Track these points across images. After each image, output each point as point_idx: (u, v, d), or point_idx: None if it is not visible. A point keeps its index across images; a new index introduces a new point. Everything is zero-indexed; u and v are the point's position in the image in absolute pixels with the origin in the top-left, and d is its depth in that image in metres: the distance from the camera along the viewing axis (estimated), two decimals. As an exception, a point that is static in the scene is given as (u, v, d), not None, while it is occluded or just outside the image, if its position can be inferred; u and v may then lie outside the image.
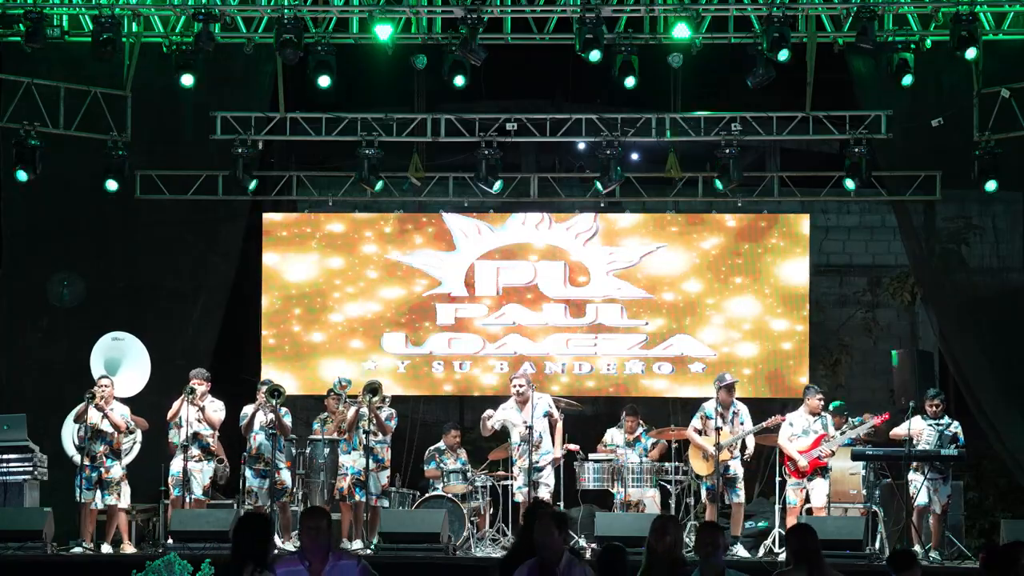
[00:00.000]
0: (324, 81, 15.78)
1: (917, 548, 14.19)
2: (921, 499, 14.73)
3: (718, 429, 15.03)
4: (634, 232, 17.98)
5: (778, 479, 15.46)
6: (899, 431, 14.97)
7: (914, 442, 14.85)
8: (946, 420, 15.00)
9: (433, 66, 16.16)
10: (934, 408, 14.95)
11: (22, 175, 16.06)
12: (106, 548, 14.85)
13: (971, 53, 15.18)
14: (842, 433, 15.08)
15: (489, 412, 15.58)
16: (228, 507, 15.44)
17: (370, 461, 15.04)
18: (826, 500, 14.86)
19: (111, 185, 16.51)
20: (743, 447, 15.31)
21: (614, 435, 15.95)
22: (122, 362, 15.92)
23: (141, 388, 15.96)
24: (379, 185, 17.09)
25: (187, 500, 14.96)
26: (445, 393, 18.59)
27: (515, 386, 15.43)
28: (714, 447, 14.97)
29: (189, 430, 14.98)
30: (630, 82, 15.61)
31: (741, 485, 15.22)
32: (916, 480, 14.77)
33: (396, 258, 18.05)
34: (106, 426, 14.88)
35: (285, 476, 15.25)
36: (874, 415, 15.25)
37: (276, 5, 15.91)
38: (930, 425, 14.90)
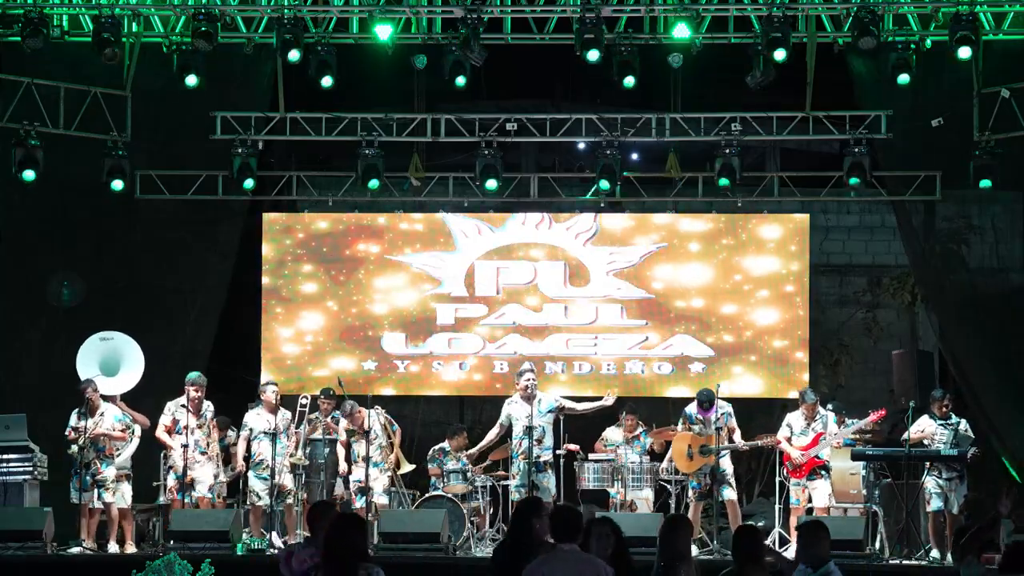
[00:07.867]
0: (326, 81, 15.82)
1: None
2: (935, 504, 14.75)
3: (718, 430, 15.06)
4: (634, 232, 17.97)
5: (778, 479, 15.49)
6: (910, 434, 14.92)
7: (927, 443, 14.88)
8: (955, 419, 15.02)
9: (433, 66, 16.17)
10: (944, 408, 14.97)
11: (29, 175, 16.02)
12: (113, 547, 14.87)
13: (965, 53, 15.17)
14: (841, 429, 15.09)
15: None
16: (228, 507, 15.45)
17: (370, 467, 15.17)
18: (828, 501, 14.86)
19: (116, 184, 16.49)
20: (730, 440, 15.39)
21: (613, 434, 15.95)
22: (120, 363, 15.89)
23: (135, 384, 15.91)
24: (378, 185, 17.08)
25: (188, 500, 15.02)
26: (445, 393, 18.60)
27: (527, 379, 15.45)
28: (698, 449, 15.07)
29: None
30: (629, 81, 15.63)
31: (732, 482, 15.24)
32: (930, 484, 14.79)
33: (396, 258, 18.03)
34: (100, 429, 14.88)
35: (287, 480, 15.34)
36: (873, 412, 15.28)
37: (276, 5, 15.92)
38: (940, 425, 14.91)
